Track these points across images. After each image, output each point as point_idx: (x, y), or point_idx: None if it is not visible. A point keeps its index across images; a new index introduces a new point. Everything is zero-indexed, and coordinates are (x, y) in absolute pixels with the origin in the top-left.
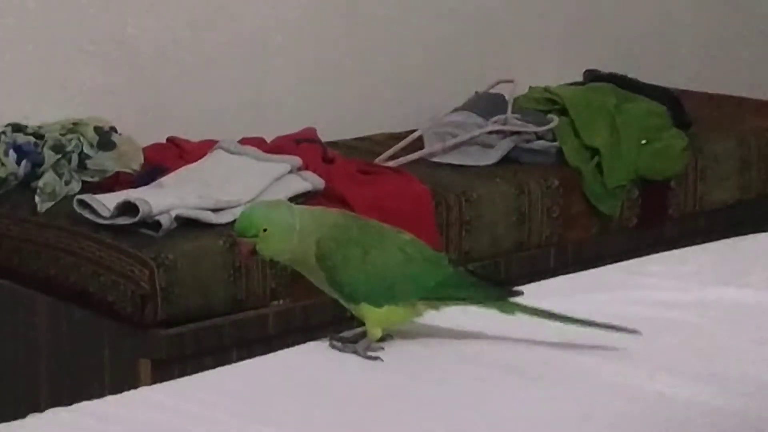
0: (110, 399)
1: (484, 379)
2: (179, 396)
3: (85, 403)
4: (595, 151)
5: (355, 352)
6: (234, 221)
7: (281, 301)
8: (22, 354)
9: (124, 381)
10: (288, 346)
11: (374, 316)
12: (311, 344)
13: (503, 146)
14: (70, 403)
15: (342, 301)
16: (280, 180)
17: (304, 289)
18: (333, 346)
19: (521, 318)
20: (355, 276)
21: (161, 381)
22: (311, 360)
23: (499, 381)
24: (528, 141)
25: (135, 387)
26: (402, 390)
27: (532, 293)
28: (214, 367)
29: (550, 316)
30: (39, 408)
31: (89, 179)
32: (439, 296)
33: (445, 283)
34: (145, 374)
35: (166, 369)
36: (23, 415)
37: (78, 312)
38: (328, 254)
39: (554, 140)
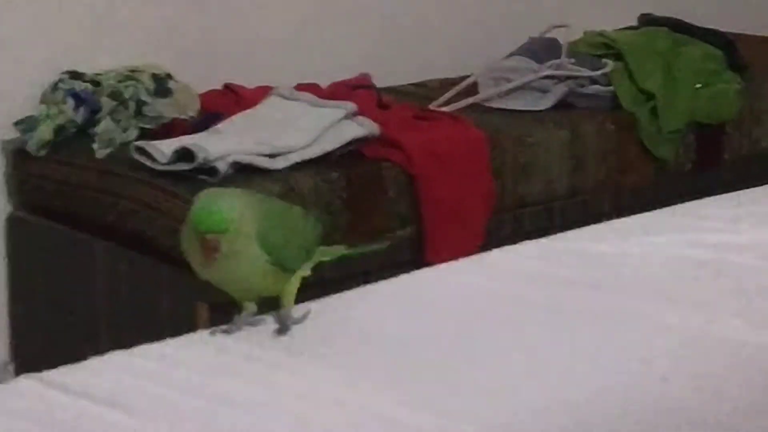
0: (170, 342)
1: (542, 322)
2: (236, 338)
3: (145, 346)
4: (650, 96)
5: (285, 323)
6: (287, 167)
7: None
8: (81, 299)
9: (182, 325)
10: (344, 290)
11: (296, 282)
12: (367, 287)
13: (558, 91)
14: (129, 348)
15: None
16: (335, 126)
17: (360, 234)
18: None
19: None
20: (294, 246)
21: (219, 324)
22: (367, 303)
23: (558, 324)
24: (583, 86)
25: (193, 331)
26: (461, 333)
27: (589, 236)
28: (270, 310)
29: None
30: (99, 353)
31: (146, 126)
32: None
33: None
34: (203, 318)
35: (224, 312)
36: (83, 360)
37: (136, 257)
38: (272, 232)
39: (609, 85)
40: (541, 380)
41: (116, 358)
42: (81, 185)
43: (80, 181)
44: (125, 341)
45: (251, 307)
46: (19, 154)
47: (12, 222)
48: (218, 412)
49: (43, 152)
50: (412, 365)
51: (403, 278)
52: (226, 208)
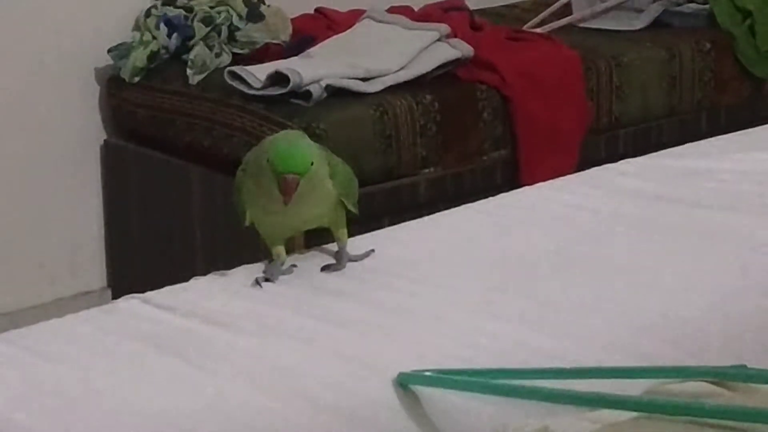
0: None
1: (641, 239)
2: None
3: (245, 266)
4: (747, 13)
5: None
6: (381, 91)
7: (432, 169)
8: (177, 225)
9: None
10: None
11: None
12: (464, 206)
13: (653, 10)
14: None
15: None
16: (428, 48)
17: (455, 156)
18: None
19: None
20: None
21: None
22: (464, 222)
23: (658, 241)
24: (678, 4)
25: (289, 255)
26: (562, 251)
27: (689, 153)
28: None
29: None
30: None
31: (239, 51)
32: None
33: None
34: (299, 242)
35: (318, 238)
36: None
37: (231, 182)
38: (340, 170)
39: (705, 2)
40: (641, 297)
41: (218, 278)
42: (175, 111)
43: (174, 107)
44: (221, 267)
45: (283, 254)
46: (113, 81)
47: (107, 149)
48: (321, 331)
49: (136, 79)
50: (510, 283)
51: (501, 197)
52: (305, 149)
